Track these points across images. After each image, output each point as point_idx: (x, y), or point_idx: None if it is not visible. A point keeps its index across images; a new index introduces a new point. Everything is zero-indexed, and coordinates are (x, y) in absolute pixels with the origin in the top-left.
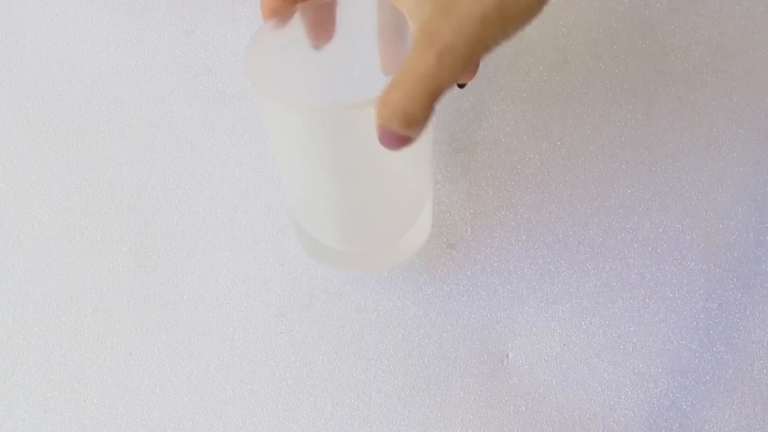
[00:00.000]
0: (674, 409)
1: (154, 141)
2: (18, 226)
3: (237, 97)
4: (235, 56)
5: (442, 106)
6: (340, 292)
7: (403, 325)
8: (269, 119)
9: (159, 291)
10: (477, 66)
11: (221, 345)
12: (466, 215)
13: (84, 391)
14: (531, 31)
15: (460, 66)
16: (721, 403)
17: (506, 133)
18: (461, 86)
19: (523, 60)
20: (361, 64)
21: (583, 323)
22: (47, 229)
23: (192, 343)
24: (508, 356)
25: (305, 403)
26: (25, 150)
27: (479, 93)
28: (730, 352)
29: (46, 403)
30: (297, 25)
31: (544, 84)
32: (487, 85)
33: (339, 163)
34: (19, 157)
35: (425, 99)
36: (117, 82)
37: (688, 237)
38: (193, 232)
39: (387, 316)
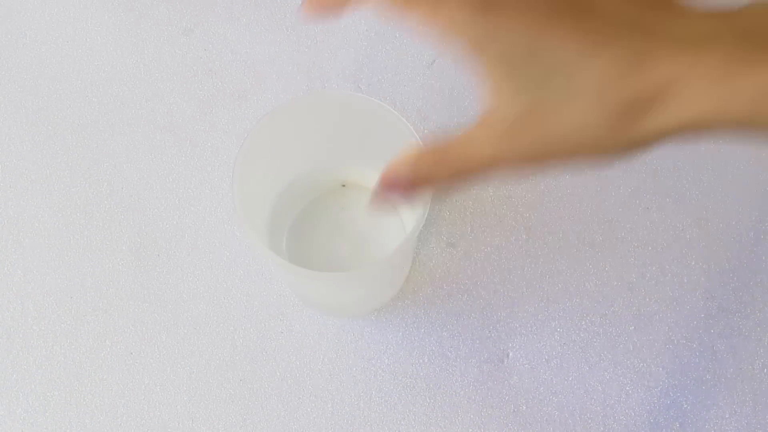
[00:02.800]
0: (674, 409)
1: (154, 140)
2: (18, 225)
3: (237, 97)
4: (234, 56)
5: (440, 106)
6: None
7: (403, 325)
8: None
9: (159, 290)
10: None
11: (221, 345)
12: (466, 215)
13: (84, 391)
14: None
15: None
16: (721, 402)
17: None
18: None
19: None
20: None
21: (583, 323)
22: (47, 228)
23: (192, 342)
24: (508, 356)
25: (305, 403)
26: (25, 149)
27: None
28: (730, 352)
29: (46, 403)
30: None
31: None
32: None
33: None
34: (19, 156)
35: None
36: (117, 81)
37: (688, 236)
38: (193, 232)
39: (387, 316)
